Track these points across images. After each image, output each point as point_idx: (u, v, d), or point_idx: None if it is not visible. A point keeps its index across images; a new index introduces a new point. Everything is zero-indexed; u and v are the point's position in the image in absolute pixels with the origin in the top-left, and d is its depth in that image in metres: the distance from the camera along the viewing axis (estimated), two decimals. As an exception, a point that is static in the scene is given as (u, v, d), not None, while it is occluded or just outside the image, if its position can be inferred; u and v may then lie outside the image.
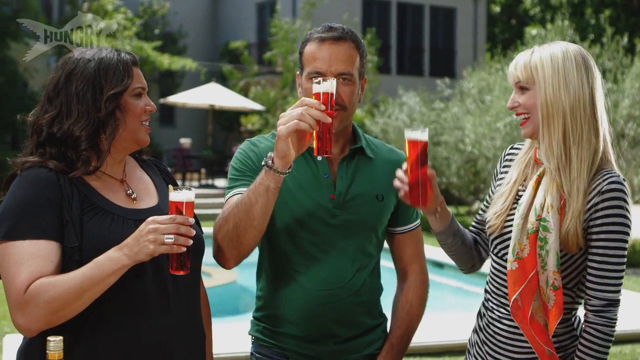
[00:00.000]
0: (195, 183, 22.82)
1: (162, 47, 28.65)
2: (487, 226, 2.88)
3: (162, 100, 24.05)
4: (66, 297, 2.26)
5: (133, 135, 2.56)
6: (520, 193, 2.81)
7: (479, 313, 2.97)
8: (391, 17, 31.10)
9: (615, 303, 2.64)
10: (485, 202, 3.01)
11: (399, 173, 2.65)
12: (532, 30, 19.28)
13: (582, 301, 2.76)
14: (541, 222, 2.67)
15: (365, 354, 2.96)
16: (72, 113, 2.48)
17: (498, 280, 2.85)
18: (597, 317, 2.64)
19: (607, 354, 2.67)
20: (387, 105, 20.13)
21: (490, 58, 26.17)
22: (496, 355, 2.83)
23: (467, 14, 32.35)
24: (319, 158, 2.84)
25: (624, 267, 2.66)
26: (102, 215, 2.46)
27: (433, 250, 9.40)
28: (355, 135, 3.01)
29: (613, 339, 2.67)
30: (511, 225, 2.76)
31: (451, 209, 3.03)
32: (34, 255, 2.31)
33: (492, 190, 2.99)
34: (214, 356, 2.91)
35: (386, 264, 3.07)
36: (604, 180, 2.65)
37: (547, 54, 2.71)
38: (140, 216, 2.50)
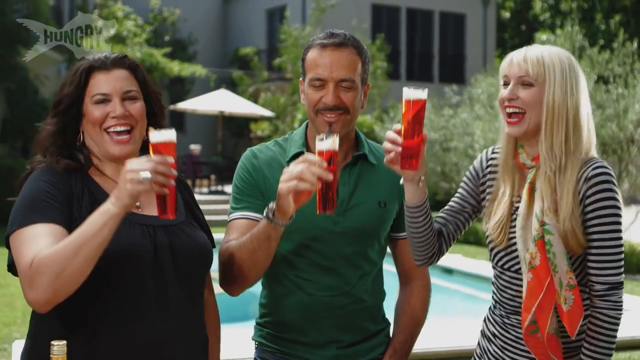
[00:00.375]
0: (205, 189, 22.84)
1: (172, 53, 28.71)
2: (488, 239, 2.87)
3: (172, 107, 24.08)
4: (64, 257, 2.23)
5: (99, 145, 2.58)
6: (516, 204, 2.79)
7: (489, 320, 2.96)
8: (401, 23, 31.09)
9: (618, 285, 2.67)
10: (454, 199, 2.97)
11: (391, 134, 2.54)
12: (542, 36, 19.26)
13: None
14: (544, 227, 2.67)
15: (369, 359, 2.97)
16: (49, 116, 2.61)
17: (510, 292, 2.83)
18: (603, 301, 2.66)
19: (615, 337, 2.68)
20: (397, 111, 20.12)
21: (500, 64, 26.11)
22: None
23: (477, 20, 32.32)
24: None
25: (622, 247, 2.69)
26: None
27: (443, 258, 9.35)
28: (358, 142, 3.02)
29: (620, 322, 2.68)
30: (515, 237, 2.76)
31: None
32: (43, 234, 2.33)
33: (464, 190, 2.96)
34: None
35: (389, 268, 3.07)
36: (588, 168, 2.68)
37: (556, 54, 2.73)
38: (146, 221, 2.53)
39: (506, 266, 2.82)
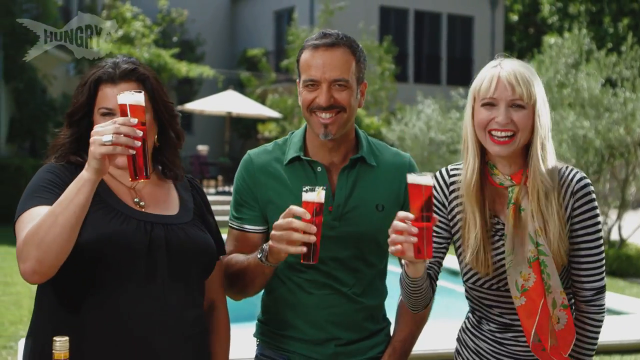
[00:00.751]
0: (212, 190, 22.86)
1: (180, 54, 28.74)
2: (472, 272, 2.77)
3: (179, 108, 24.12)
4: (44, 226, 2.29)
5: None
6: (496, 226, 2.74)
7: (467, 329, 2.95)
8: (409, 25, 31.07)
9: (603, 289, 2.74)
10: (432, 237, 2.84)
11: (400, 225, 2.36)
12: (550, 39, 19.24)
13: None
14: (538, 248, 2.65)
15: (368, 357, 2.98)
16: (64, 124, 2.68)
17: (497, 310, 2.80)
18: (590, 306, 2.73)
19: (598, 339, 2.76)
20: (404, 113, 20.11)
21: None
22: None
23: (485, 23, 32.28)
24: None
25: (604, 252, 2.75)
26: (106, 210, 2.53)
27: (448, 259, 9.37)
28: (358, 142, 3.00)
29: (603, 324, 2.75)
30: (501, 260, 2.71)
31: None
32: (39, 214, 2.38)
33: (438, 222, 2.74)
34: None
35: (391, 268, 3.06)
36: (571, 180, 2.70)
37: (529, 70, 2.68)
38: (145, 218, 2.57)
39: (492, 287, 2.77)
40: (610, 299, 9.59)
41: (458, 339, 3.02)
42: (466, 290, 2.89)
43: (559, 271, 2.69)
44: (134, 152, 2.27)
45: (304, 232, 2.52)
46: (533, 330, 2.67)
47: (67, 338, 2.15)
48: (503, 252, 2.71)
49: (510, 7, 37.16)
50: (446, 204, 2.81)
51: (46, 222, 2.30)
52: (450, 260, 3.56)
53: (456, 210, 2.80)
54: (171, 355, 2.54)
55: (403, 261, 2.57)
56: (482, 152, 2.73)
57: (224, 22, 34.14)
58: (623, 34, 28.45)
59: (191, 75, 27.04)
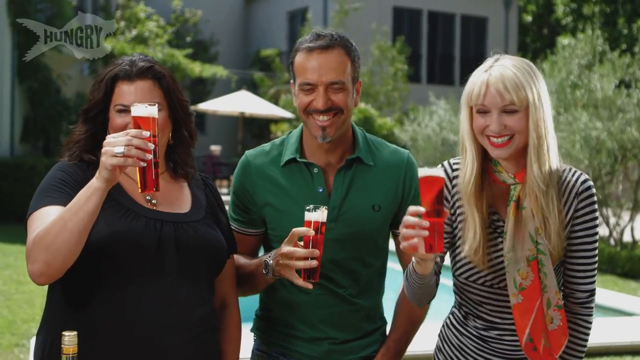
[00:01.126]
0: (225, 190, 22.89)
1: (194, 54, 28.79)
2: (467, 267, 2.76)
3: (192, 108, 24.08)
4: (53, 230, 2.32)
5: None
6: (496, 223, 2.74)
7: (451, 325, 2.94)
8: (422, 26, 31.04)
9: (594, 292, 2.76)
10: None
11: (412, 220, 2.33)
12: (563, 40, 19.19)
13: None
14: (537, 246, 2.65)
15: (362, 356, 2.97)
16: (79, 121, 2.71)
17: (488, 307, 2.80)
18: (583, 308, 2.74)
19: (588, 341, 2.78)
20: (417, 113, 20.10)
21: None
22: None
23: (499, 23, 32.22)
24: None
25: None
26: (117, 207, 2.56)
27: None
28: (355, 142, 2.98)
29: (592, 326, 2.78)
30: (499, 257, 2.71)
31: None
32: (49, 215, 2.42)
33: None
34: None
35: (391, 265, 3.06)
36: (576, 181, 2.69)
37: (521, 70, 2.62)
38: (155, 216, 2.60)
39: (488, 284, 2.76)
40: (623, 300, 9.57)
41: (440, 335, 2.99)
42: (455, 285, 2.87)
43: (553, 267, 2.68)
44: (145, 165, 2.29)
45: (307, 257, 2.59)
46: (527, 330, 2.67)
47: (75, 333, 2.17)
48: (501, 250, 2.70)
49: (524, 8, 37.07)
50: (449, 197, 2.79)
51: (55, 226, 2.32)
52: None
53: (457, 204, 2.78)
54: (178, 353, 2.56)
55: (413, 259, 2.56)
56: (484, 151, 2.70)
57: (238, 23, 34.17)
58: (637, 35, 28.34)
59: (204, 76, 27.09)
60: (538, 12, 37.57)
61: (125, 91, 2.61)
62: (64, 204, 2.43)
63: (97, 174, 2.33)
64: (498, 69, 2.62)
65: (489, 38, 32.11)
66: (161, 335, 2.52)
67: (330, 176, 2.93)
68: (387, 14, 29.77)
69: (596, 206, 2.73)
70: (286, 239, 2.64)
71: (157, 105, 2.37)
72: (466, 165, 2.71)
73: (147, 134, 2.30)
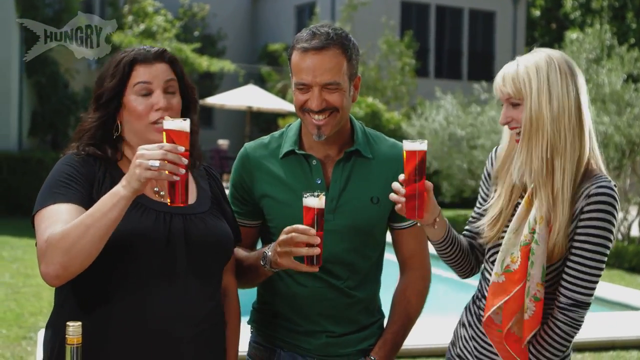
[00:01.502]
0: (233, 184, 22.91)
1: (202, 49, 28.79)
2: (482, 236, 2.84)
3: (200, 102, 24.08)
4: (74, 235, 2.32)
5: (142, 137, 2.62)
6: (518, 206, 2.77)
7: (468, 309, 2.98)
8: (430, 20, 31.00)
9: (582, 305, 2.65)
10: (477, 207, 2.97)
11: (395, 185, 2.58)
12: (571, 34, 19.13)
13: None
14: (533, 235, 2.65)
15: (359, 349, 2.97)
16: (90, 109, 2.68)
17: None
18: (562, 314, 2.66)
19: (562, 352, 2.71)
20: (424, 107, 20.09)
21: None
22: (485, 352, 2.85)
23: (507, 18, 32.15)
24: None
25: (601, 272, 2.65)
26: None
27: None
28: (354, 135, 2.97)
29: (572, 339, 2.69)
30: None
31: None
32: (60, 213, 2.42)
33: (483, 193, 2.96)
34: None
35: (389, 257, 3.07)
36: (592, 185, 2.63)
37: (532, 65, 2.66)
38: (163, 208, 2.59)
39: (494, 260, 2.80)
40: (629, 294, 9.58)
41: (466, 308, 3.03)
42: (483, 276, 2.92)
43: (550, 263, 2.68)
44: (178, 179, 2.31)
45: (308, 244, 2.56)
46: (492, 309, 2.68)
47: (79, 323, 2.17)
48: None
49: (533, 2, 36.99)
50: (491, 177, 2.92)
51: (75, 230, 2.32)
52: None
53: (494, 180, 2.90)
54: (189, 347, 2.57)
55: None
56: None
57: (245, 17, 34.17)
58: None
59: (212, 70, 27.10)
60: (546, 6, 37.49)
61: (145, 72, 2.62)
62: (73, 202, 2.45)
63: (124, 182, 2.32)
64: (510, 65, 2.73)
65: (497, 32, 32.05)
66: (173, 330, 2.53)
67: (329, 168, 2.93)
68: (395, 8, 29.74)
69: (608, 216, 2.61)
70: (284, 230, 2.62)
71: (189, 120, 2.38)
72: (502, 145, 2.85)
73: (182, 149, 2.31)
